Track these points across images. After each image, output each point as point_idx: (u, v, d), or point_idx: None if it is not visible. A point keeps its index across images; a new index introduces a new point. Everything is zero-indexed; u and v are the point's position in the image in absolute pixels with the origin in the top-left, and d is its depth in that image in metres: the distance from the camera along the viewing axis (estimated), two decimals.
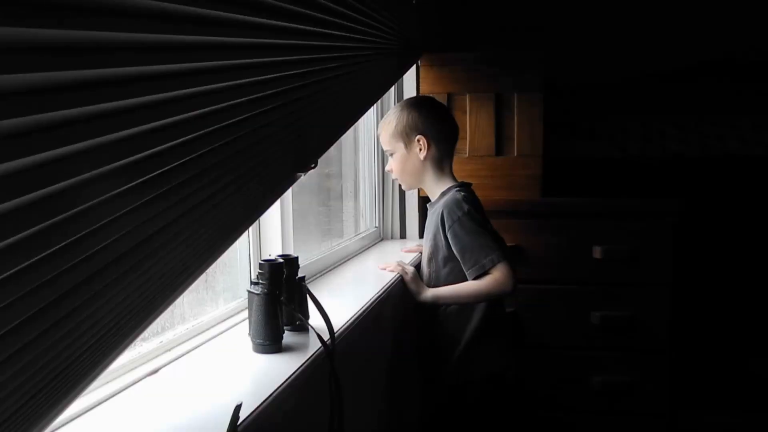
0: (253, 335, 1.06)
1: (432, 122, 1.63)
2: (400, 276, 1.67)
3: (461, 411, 1.67)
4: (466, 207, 1.56)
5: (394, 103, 2.28)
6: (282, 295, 1.08)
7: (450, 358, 1.66)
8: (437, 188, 1.66)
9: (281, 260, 1.12)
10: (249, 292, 1.08)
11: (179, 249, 0.69)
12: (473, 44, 2.33)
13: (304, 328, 1.17)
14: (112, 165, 0.47)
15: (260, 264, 1.09)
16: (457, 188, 1.62)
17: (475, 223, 1.55)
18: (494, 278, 1.53)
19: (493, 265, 1.52)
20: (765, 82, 2.58)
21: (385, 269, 1.68)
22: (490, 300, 1.60)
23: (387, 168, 1.72)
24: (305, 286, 1.18)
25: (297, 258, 1.19)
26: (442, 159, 1.65)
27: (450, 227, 1.57)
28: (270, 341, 1.05)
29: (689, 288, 2.46)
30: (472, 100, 2.15)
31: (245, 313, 1.29)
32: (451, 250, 1.58)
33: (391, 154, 1.67)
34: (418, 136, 1.61)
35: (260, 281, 1.07)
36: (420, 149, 1.62)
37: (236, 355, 1.07)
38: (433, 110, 1.67)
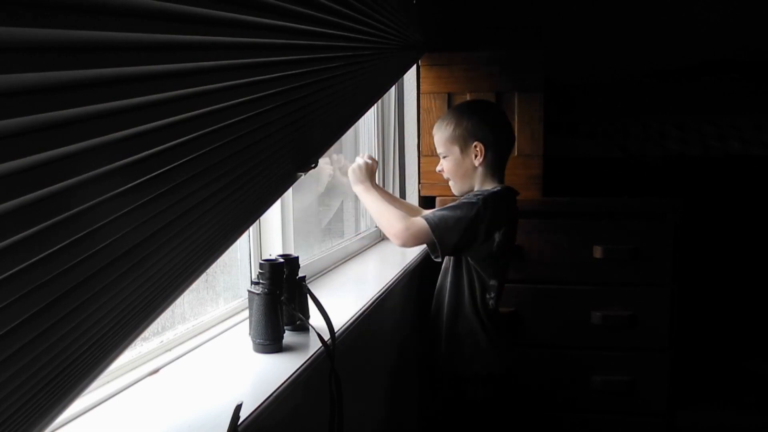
0: (254, 335, 1.06)
1: (490, 129, 1.63)
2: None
3: (461, 409, 1.67)
4: (475, 198, 1.56)
5: (395, 103, 2.28)
6: (282, 295, 1.08)
7: (446, 354, 1.67)
8: (483, 189, 1.66)
9: (282, 260, 1.12)
10: (249, 291, 1.08)
11: (179, 249, 0.69)
12: (473, 44, 2.33)
13: (304, 327, 1.17)
14: (112, 165, 0.47)
15: (261, 264, 1.09)
16: (498, 188, 1.62)
17: (465, 209, 1.55)
18: (404, 224, 1.54)
19: (421, 221, 1.54)
20: (765, 82, 2.58)
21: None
22: (466, 288, 1.62)
23: (438, 168, 1.71)
24: (306, 285, 1.18)
25: (297, 258, 1.19)
26: (496, 165, 1.65)
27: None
28: (270, 341, 1.05)
29: (689, 288, 2.46)
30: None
31: (245, 313, 1.29)
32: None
33: (445, 157, 1.67)
34: (475, 143, 1.62)
35: (261, 281, 1.07)
36: (476, 155, 1.62)
37: (236, 355, 1.07)
38: (492, 116, 1.67)
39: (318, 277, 1.65)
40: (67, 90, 0.39)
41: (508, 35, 2.54)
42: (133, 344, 0.85)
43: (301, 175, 1.12)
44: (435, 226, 1.53)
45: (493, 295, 1.64)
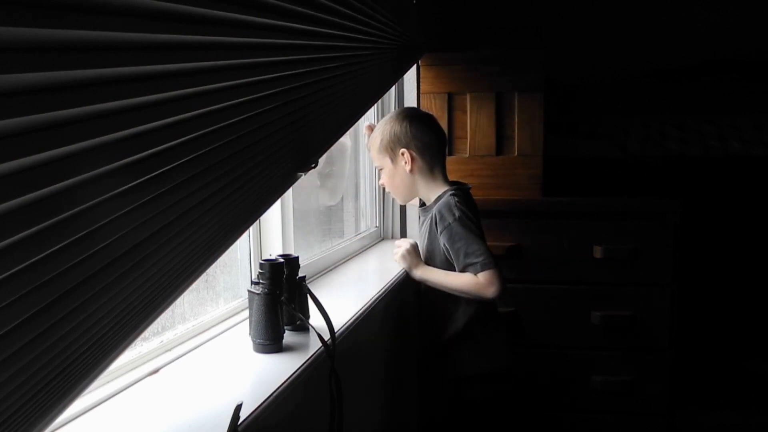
0: (254, 335, 1.06)
1: (413, 134, 1.62)
2: (404, 272, 1.67)
3: (460, 408, 1.67)
4: (457, 212, 1.55)
5: (395, 103, 2.28)
6: (282, 295, 1.08)
7: (445, 353, 1.67)
8: (431, 194, 1.66)
9: (282, 260, 1.12)
10: (249, 291, 1.08)
11: (179, 249, 0.69)
12: (473, 44, 2.33)
13: (304, 327, 1.17)
14: (112, 165, 0.47)
15: (261, 264, 1.09)
16: (452, 192, 1.61)
17: (467, 228, 1.54)
18: (480, 281, 1.52)
19: (482, 270, 1.52)
20: (765, 82, 2.58)
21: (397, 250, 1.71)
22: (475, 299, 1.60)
23: (380, 182, 1.73)
24: (306, 285, 1.18)
25: (297, 258, 1.19)
26: (432, 168, 1.64)
27: (442, 232, 1.57)
28: (270, 341, 1.05)
29: (689, 288, 2.46)
30: (473, 99, 2.15)
31: (245, 313, 1.29)
32: (448, 254, 1.59)
33: (381, 169, 1.68)
34: (401, 150, 1.61)
35: (261, 281, 1.07)
36: (405, 162, 1.62)
37: (236, 355, 1.07)
38: (415, 121, 1.65)
39: (318, 277, 1.65)
40: (67, 90, 0.39)
41: (508, 35, 2.54)
42: (133, 344, 0.85)
43: (301, 175, 1.12)
44: (488, 262, 1.52)
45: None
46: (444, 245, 1.58)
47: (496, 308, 1.70)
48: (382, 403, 1.69)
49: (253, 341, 1.07)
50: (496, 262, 1.53)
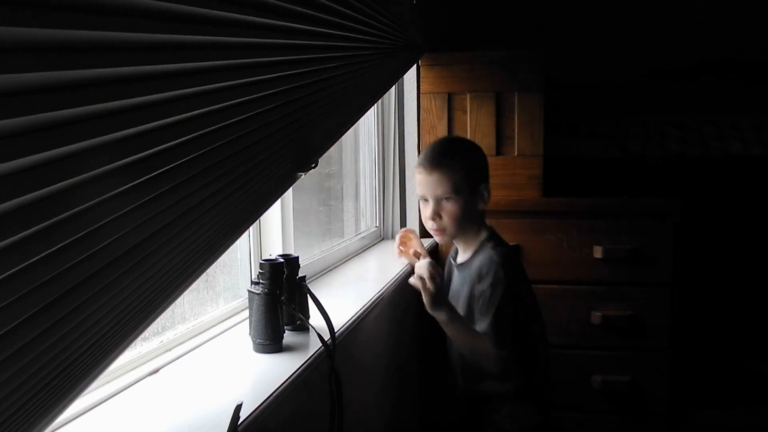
0: (254, 335, 1.07)
1: (487, 170, 1.52)
2: (415, 277, 1.58)
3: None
4: (505, 281, 1.40)
5: (395, 103, 2.28)
6: (282, 295, 1.08)
7: (481, 406, 1.53)
8: (474, 241, 1.51)
9: (281, 260, 1.12)
10: (250, 291, 1.08)
11: (179, 249, 0.69)
12: (473, 44, 2.33)
13: (304, 327, 1.17)
14: (112, 165, 0.47)
15: (261, 264, 1.09)
16: (492, 246, 1.47)
17: (510, 305, 1.39)
18: (493, 355, 1.39)
19: (499, 349, 1.38)
20: (765, 82, 2.58)
21: (402, 255, 1.59)
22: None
23: (427, 215, 1.48)
24: (306, 285, 1.18)
25: (297, 258, 1.19)
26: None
27: (483, 293, 1.42)
28: (270, 341, 1.06)
29: (690, 287, 2.46)
30: (473, 99, 2.15)
31: (245, 313, 1.29)
32: (471, 301, 1.47)
33: (446, 198, 1.46)
34: (484, 184, 1.49)
35: (261, 281, 1.07)
36: (481, 198, 1.49)
37: (236, 355, 1.07)
38: (483, 155, 1.55)
39: (318, 277, 1.65)
40: (67, 90, 0.39)
41: (508, 35, 2.54)
42: (133, 344, 0.85)
43: (301, 175, 1.12)
44: (507, 338, 1.38)
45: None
46: (479, 299, 1.43)
47: (546, 374, 1.57)
48: (383, 403, 1.69)
49: (253, 341, 1.07)
50: (515, 344, 1.40)
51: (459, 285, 1.53)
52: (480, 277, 1.42)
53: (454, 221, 1.46)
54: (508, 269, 1.41)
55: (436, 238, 1.54)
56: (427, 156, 1.50)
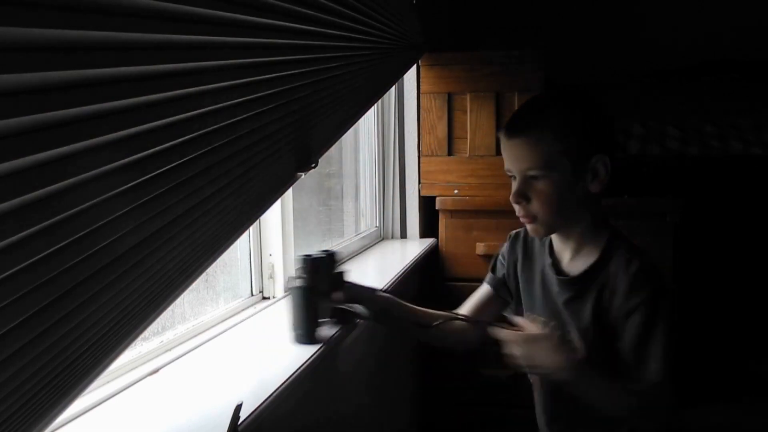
0: (292, 327, 1.09)
1: (611, 135, 1.09)
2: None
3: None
4: (671, 297, 1.06)
5: (395, 103, 2.27)
6: (320, 289, 1.10)
7: None
8: (590, 239, 1.08)
9: (321, 255, 1.13)
10: (289, 286, 1.12)
11: (179, 248, 0.69)
12: (473, 44, 2.33)
13: (344, 320, 1.17)
14: (112, 165, 0.47)
15: (299, 258, 1.12)
16: (627, 249, 1.06)
17: (666, 322, 1.04)
18: (646, 397, 1.03)
19: (653, 383, 1.02)
20: (765, 82, 2.58)
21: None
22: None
23: (516, 198, 1.05)
24: (344, 279, 1.16)
25: (335, 253, 1.18)
26: (604, 194, 1.07)
27: (640, 309, 1.02)
28: (306, 332, 1.08)
29: (689, 287, 2.46)
30: (473, 99, 2.15)
31: (245, 313, 1.29)
32: (611, 332, 1.04)
33: (535, 177, 1.03)
34: (597, 157, 1.02)
35: (300, 275, 1.10)
36: (593, 176, 1.03)
37: (236, 355, 1.07)
38: (609, 116, 1.08)
39: None
40: (67, 90, 0.39)
41: (508, 35, 2.54)
42: (133, 344, 0.85)
43: (301, 175, 1.12)
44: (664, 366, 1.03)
45: None
46: (627, 325, 1.03)
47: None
48: (384, 401, 1.69)
49: (292, 332, 1.09)
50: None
51: (566, 299, 1.09)
52: (631, 291, 1.02)
53: (548, 208, 1.03)
54: (668, 283, 1.06)
55: (528, 228, 1.10)
56: (513, 116, 1.10)
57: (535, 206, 1.04)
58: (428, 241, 2.15)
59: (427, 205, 2.24)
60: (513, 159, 1.05)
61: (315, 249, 1.18)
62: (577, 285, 1.07)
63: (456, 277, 2.11)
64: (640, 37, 2.58)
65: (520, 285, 1.19)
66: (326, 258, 1.13)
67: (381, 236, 2.26)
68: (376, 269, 1.88)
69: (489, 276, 1.27)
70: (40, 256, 0.43)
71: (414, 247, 2.09)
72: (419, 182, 2.22)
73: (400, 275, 1.68)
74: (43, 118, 0.38)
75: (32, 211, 0.40)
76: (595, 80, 2.63)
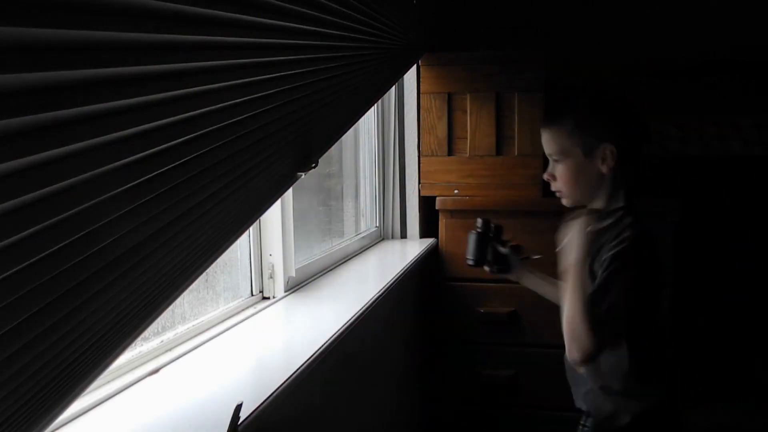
0: (467, 256, 1.52)
1: (624, 128, 1.31)
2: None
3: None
4: (631, 262, 1.22)
5: (395, 103, 2.28)
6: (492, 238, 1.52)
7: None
8: (605, 206, 1.33)
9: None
10: (473, 230, 1.53)
11: (179, 249, 0.69)
12: (473, 44, 2.33)
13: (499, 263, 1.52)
14: (112, 165, 0.47)
15: (480, 219, 1.54)
16: (630, 223, 1.27)
17: (621, 281, 1.21)
18: (594, 344, 1.20)
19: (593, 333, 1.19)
20: (765, 82, 2.58)
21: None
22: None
23: (546, 176, 1.37)
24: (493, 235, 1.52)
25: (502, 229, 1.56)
26: (626, 173, 1.31)
27: (607, 270, 1.22)
28: (474, 261, 1.51)
29: (690, 287, 2.46)
30: (473, 99, 2.15)
31: (245, 313, 1.29)
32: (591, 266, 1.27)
33: (557, 160, 1.33)
34: (604, 145, 1.28)
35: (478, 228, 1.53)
36: (604, 159, 1.28)
37: (236, 355, 1.07)
38: (625, 110, 1.35)
39: (318, 277, 1.65)
40: (67, 90, 0.39)
41: (508, 35, 2.54)
42: (133, 344, 0.85)
43: (301, 175, 1.12)
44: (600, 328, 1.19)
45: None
46: (597, 274, 1.25)
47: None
48: (385, 402, 1.69)
49: (466, 259, 1.52)
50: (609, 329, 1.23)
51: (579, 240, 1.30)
52: (611, 261, 1.22)
53: (567, 185, 1.33)
54: (639, 247, 1.23)
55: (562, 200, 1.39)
56: (545, 111, 1.48)
57: (560, 183, 1.34)
58: (428, 241, 2.16)
59: (427, 205, 2.24)
60: (544, 145, 1.36)
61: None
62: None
63: (456, 277, 2.11)
64: (641, 37, 2.58)
65: None
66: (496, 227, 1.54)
67: (381, 236, 2.26)
68: (376, 269, 1.88)
69: None
70: (40, 256, 0.43)
71: (414, 247, 2.09)
72: (419, 182, 2.22)
73: (400, 275, 1.68)
74: (44, 118, 0.38)
75: (32, 211, 0.40)
76: (595, 80, 2.63)
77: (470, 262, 1.53)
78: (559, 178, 1.33)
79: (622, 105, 1.37)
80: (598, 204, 1.32)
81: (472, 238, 1.53)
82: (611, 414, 1.34)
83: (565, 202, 1.37)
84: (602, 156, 1.29)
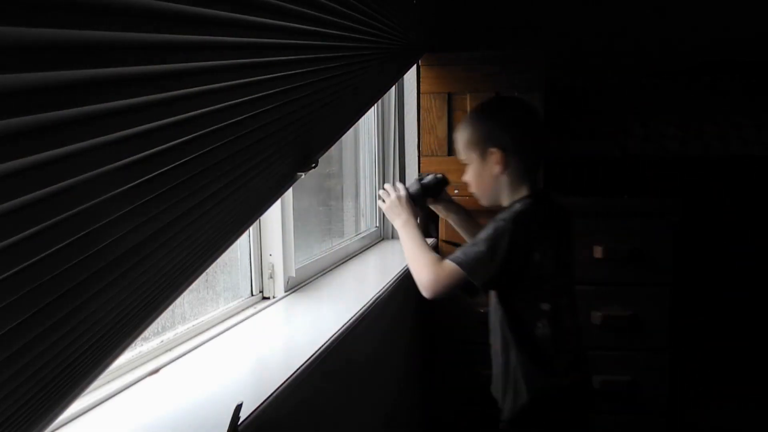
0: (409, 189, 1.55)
1: (512, 132, 1.38)
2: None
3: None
4: (503, 222, 1.31)
5: (395, 103, 2.28)
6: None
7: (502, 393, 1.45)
8: (512, 201, 1.41)
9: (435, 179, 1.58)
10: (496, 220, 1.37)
11: (179, 249, 0.69)
12: (473, 44, 2.33)
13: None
14: (112, 165, 0.47)
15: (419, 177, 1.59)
16: (526, 200, 1.37)
17: (494, 240, 1.30)
18: (435, 273, 1.32)
19: (448, 265, 1.31)
20: (765, 82, 2.58)
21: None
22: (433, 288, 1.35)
23: (463, 178, 1.47)
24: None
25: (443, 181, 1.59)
26: (522, 173, 1.38)
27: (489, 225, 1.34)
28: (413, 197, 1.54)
29: (689, 287, 2.46)
30: (472, 100, 2.15)
31: (245, 313, 1.29)
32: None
33: (466, 164, 1.45)
34: (492, 149, 1.37)
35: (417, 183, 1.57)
36: (496, 162, 1.38)
37: (236, 355, 1.07)
38: (513, 116, 1.42)
39: (318, 277, 1.65)
40: (67, 90, 0.39)
41: (508, 35, 2.54)
42: (133, 344, 0.85)
43: (301, 175, 1.12)
44: (466, 264, 1.30)
45: (545, 322, 1.35)
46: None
47: (560, 332, 1.38)
48: (385, 402, 1.69)
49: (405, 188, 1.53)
50: (476, 273, 1.30)
51: None
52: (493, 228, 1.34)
53: (474, 186, 1.45)
54: (518, 219, 1.32)
55: None
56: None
57: (471, 186, 1.47)
58: (428, 241, 2.15)
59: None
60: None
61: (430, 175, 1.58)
62: None
63: None
64: (641, 37, 2.58)
65: None
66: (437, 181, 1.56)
67: (381, 236, 2.26)
68: (376, 269, 1.88)
69: None
70: (40, 256, 0.43)
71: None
72: None
73: (400, 275, 1.68)
74: (43, 118, 0.38)
75: (32, 211, 0.40)
76: (595, 80, 2.63)
77: (405, 192, 1.52)
78: (469, 182, 1.46)
79: (509, 109, 1.47)
80: (506, 201, 1.42)
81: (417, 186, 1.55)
82: (514, 396, 1.42)
83: (482, 202, 1.49)
84: (494, 159, 1.39)
